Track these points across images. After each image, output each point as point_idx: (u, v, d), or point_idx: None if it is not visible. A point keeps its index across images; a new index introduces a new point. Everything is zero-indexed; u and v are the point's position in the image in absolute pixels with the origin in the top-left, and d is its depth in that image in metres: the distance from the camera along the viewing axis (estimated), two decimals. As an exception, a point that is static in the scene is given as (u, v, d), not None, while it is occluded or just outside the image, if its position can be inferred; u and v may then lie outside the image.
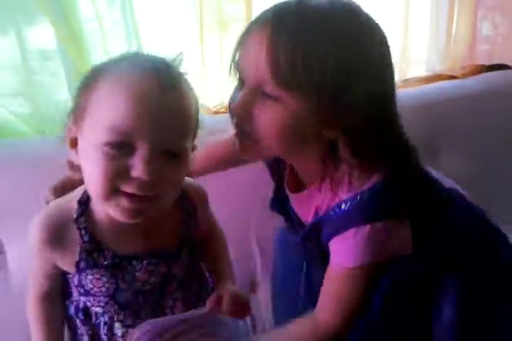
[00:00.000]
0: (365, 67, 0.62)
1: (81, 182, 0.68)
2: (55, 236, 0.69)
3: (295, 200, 0.78)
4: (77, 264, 0.70)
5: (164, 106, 0.59)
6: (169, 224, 0.74)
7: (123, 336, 0.73)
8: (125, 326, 0.73)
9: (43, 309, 0.77)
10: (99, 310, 0.73)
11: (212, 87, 1.45)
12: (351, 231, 0.66)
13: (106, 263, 0.69)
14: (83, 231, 0.68)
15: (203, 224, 0.80)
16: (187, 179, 0.73)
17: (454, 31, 1.83)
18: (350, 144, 0.64)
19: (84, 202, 0.69)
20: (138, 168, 0.58)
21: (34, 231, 0.71)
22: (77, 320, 0.76)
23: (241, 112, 0.67)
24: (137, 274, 0.71)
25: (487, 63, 1.89)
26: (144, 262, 0.71)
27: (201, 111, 1.44)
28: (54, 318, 0.77)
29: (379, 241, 0.66)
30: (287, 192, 0.80)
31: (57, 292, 0.77)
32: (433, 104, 1.64)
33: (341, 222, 0.67)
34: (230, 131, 1.22)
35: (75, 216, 0.69)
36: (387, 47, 0.66)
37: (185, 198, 0.76)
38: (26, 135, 1.34)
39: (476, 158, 1.67)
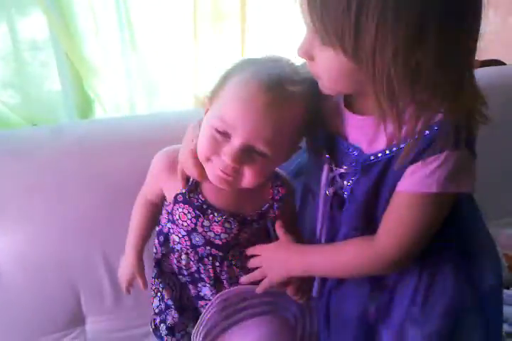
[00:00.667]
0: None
1: None
2: (171, 168, 0.86)
3: (357, 124, 0.76)
4: (176, 196, 0.85)
5: (263, 118, 0.73)
6: (257, 197, 0.86)
7: (185, 265, 0.90)
8: (190, 259, 0.90)
9: (141, 212, 0.95)
10: (175, 238, 0.90)
11: (206, 81, 1.44)
12: (439, 157, 0.66)
13: (196, 204, 0.84)
14: (191, 179, 0.84)
15: (286, 214, 0.90)
16: (285, 174, 0.90)
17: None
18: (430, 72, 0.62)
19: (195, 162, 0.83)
20: (227, 153, 0.74)
21: (158, 160, 0.89)
22: (156, 241, 0.95)
23: (303, 54, 0.70)
24: (214, 224, 0.85)
25: (480, 59, 1.90)
26: (224, 216, 0.84)
27: (195, 103, 1.47)
28: (147, 223, 0.95)
29: (464, 168, 0.68)
30: (346, 114, 0.77)
31: (156, 205, 0.93)
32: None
33: (424, 149, 0.67)
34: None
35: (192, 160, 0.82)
36: None
37: (279, 185, 0.88)
38: (17, 125, 1.34)
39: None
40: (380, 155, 0.72)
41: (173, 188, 0.86)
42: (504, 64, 1.96)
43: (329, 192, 0.82)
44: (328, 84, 0.71)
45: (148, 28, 1.45)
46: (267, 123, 0.73)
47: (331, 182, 0.82)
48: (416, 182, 0.69)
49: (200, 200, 0.84)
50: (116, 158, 1.22)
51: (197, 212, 0.84)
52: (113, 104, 1.41)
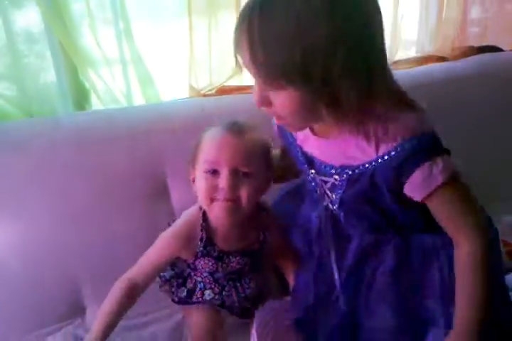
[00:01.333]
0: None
1: None
2: (188, 234, 1.03)
3: (323, 146, 0.89)
4: (197, 254, 1.04)
5: (235, 146, 0.95)
6: (253, 233, 1.07)
7: (210, 300, 1.09)
8: (213, 293, 1.09)
9: (119, 297, 1.00)
10: (198, 278, 1.10)
11: (201, 69, 1.44)
12: (426, 164, 0.79)
13: (215, 254, 1.04)
14: (204, 233, 1.03)
15: (278, 241, 1.11)
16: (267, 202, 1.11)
17: (444, 14, 1.83)
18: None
19: (204, 217, 1.03)
20: (222, 182, 0.94)
21: (174, 230, 1.04)
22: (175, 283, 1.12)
23: (261, 103, 0.81)
24: (231, 264, 1.06)
25: (477, 46, 1.90)
26: (237, 257, 1.06)
27: (191, 93, 1.46)
28: (120, 310, 1.00)
29: (451, 165, 0.82)
30: (313, 139, 0.90)
31: (137, 290, 1.03)
32: (422, 86, 1.63)
33: (411, 160, 0.79)
34: (220, 113, 1.22)
35: (200, 223, 1.03)
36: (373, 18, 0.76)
37: (264, 215, 1.08)
38: (14, 117, 1.34)
39: (464, 140, 1.68)
40: (361, 167, 0.84)
41: (190, 250, 1.04)
42: (501, 50, 1.95)
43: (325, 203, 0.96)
44: (293, 121, 0.83)
45: (143, 18, 1.44)
46: (239, 149, 0.95)
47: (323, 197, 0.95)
48: (423, 184, 0.80)
49: (216, 251, 1.04)
50: (114, 149, 1.23)
51: (216, 260, 1.05)
52: (109, 95, 1.41)
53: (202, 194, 0.96)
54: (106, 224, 1.20)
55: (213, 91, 1.47)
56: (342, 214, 0.94)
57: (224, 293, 1.09)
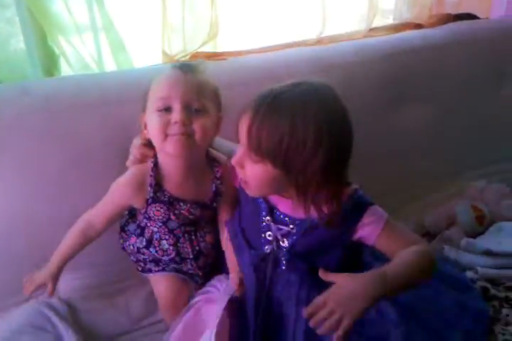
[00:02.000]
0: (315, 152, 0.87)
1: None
2: (134, 183, 1.06)
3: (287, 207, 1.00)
4: (147, 200, 1.07)
5: (184, 83, 1.00)
6: (205, 182, 1.10)
7: (165, 250, 1.12)
8: (168, 244, 1.12)
9: (76, 236, 1.09)
10: (154, 229, 1.12)
11: (174, 35, 1.41)
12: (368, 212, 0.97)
13: (165, 199, 1.06)
14: (153, 180, 1.05)
15: (230, 192, 1.12)
16: (221, 155, 1.13)
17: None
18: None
19: (155, 163, 1.07)
20: (175, 116, 0.97)
21: (119, 183, 1.08)
22: (134, 234, 1.15)
23: (236, 163, 0.94)
24: (182, 212, 1.08)
25: (454, 13, 1.89)
26: (188, 205, 1.08)
27: (164, 59, 1.44)
28: (77, 248, 1.10)
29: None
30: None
31: (96, 233, 1.10)
32: (399, 54, 1.64)
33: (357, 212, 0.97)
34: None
35: (150, 170, 1.06)
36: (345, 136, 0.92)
37: (217, 166, 1.11)
38: (-18, 84, 1.30)
39: (440, 106, 1.69)
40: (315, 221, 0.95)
41: (141, 197, 1.06)
42: (477, 18, 1.95)
43: (269, 249, 1.02)
44: (254, 189, 0.96)
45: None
46: (191, 84, 1.00)
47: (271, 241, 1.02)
48: (373, 224, 0.96)
49: (166, 196, 1.07)
50: (86, 117, 1.21)
51: (167, 207, 1.07)
52: (80, 62, 1.38)
53: (155, 130, 0.99)
54: (78, 193, 1.19)
55: (187, 58, 1.44)
56: (287, 258, 1.00)
57: (179, 244, 1.12)
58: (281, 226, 1.00)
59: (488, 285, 1.22)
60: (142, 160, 1.09)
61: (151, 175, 1.05)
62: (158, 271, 1.15)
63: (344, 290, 0.81)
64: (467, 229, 1.46)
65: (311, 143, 0.85)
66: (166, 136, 0.98)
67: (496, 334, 1.10)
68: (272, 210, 1.01)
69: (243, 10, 1.55)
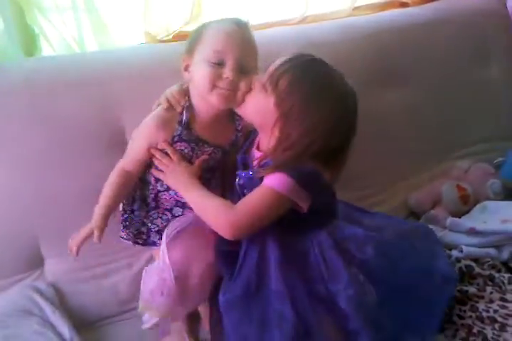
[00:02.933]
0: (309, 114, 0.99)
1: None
2: (165, 121, 1.08)
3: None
4: (173, 138, 1.08)
5: (243, 42, 1.04)
6: (228, 131, 1.16)
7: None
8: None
9: (115, 182, 1.10)
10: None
11: (158, 15, 1.38)
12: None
13: (192, 138, 1.09)
14: (186, 118, 1.08)
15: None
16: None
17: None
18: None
19: (187, 106, 1.09)
20: (228, 72, 1.02)
21: (151, 120, 1.09)
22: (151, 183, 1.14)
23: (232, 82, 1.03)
24: (205, 151, 1.11)
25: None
26: (212, 148, 1.12)
27: (146, 39, 1.41)
28: (118, 192, 1.10)
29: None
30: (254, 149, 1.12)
31: (132, 176, 1.11)
32: (383, 32, 1.63)
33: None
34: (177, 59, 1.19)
35: (185, 104, 1.09)
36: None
37: (239, 119, 1.16)
38: None
39: (423, 86, 1.69)
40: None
41: (167, 135, 1.08)
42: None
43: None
44: (247, 111, 1.06)
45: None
46: (247, 41, 1.06)
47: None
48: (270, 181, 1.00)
49: (193, 136, 1.09)
50: (66, 97, 1.19)
51: (192, 145, 1.10)
52: (61, 42, 1.35)
53: (205, 80, 1.03)
54: (62, 173, 1.18)
55: (170, 37, 1.42)
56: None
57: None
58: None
59: (473, 264, 1.24)
60: (175, 106, 1.10)
61: (182, 111, 1.08)
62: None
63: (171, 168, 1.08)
64: (452, 209, 1.47)
65: (315, 113, 0.98)
66: (213, 87, 1.03)
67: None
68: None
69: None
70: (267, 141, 1.05)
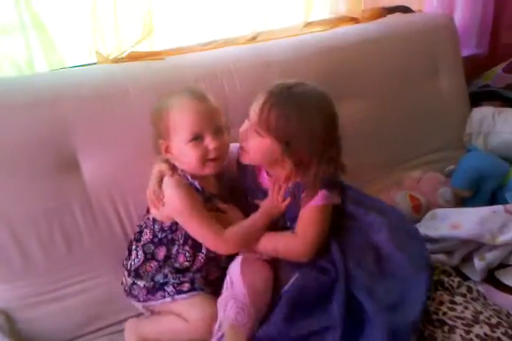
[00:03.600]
0: (315, 138, 1.11)
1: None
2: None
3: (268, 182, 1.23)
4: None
5: (210, 110, 1.13)
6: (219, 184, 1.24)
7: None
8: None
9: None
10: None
11: (107, 34, 1.38)
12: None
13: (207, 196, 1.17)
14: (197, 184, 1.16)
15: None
16: None
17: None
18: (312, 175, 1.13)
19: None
20: (211, 144, 1.10)
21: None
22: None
23: (243, 135, 1.15)
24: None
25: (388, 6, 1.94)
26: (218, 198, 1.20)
27: (98, 59, 1.41)
28: None
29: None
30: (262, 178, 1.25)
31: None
32: (335, 49, 1.66)
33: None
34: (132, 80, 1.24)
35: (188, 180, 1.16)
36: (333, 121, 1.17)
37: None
38: None
39: (377, 100, 1.73)
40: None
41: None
42: (411, 10, 2.00)
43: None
44: (252, 157, 1.16)
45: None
46: (213, 110, 1.13)
47: None
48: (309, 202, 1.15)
49: (206, 194, 1.17)
50: (15, 119, 1.17)
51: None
52: (11, 63, 1.34)
53: (195, 160, 1.11)
54: (12, 198, 1.17)
55: (123, 57, 1.42)
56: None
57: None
58: None
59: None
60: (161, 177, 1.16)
61: (190, 183, 1.15)
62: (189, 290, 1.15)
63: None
64: (405, 218, 1.51)
65: (312, 133, 1.10)
66: (204, 162, 1.12)
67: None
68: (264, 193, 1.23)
69: (177, 7, 1.54)
70: (278, 170, 1.18)
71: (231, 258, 1.16)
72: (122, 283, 1.21)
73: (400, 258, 1.15)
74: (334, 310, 1.07)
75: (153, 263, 1.16)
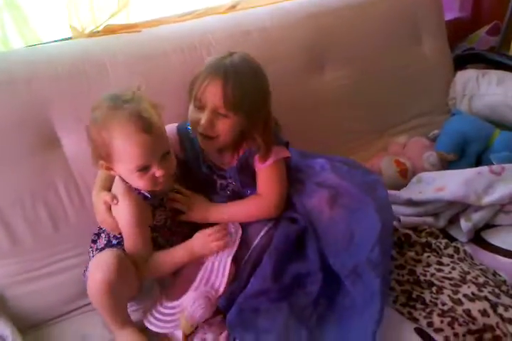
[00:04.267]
0: (266, 100, 1.16)
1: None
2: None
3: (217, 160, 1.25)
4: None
5: (155, 141, 1.04)
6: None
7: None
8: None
9: None
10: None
11: (81, 7, 1.35)
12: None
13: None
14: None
15: None
16: None
17: None
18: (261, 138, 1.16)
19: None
20: (157, 171, 1.05)
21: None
22: None
23: (208, 125, 1.12)
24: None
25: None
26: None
27: (73, 34, 1.38)
28: None
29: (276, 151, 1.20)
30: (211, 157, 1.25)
31: None
32: (315, 16, 1.63)
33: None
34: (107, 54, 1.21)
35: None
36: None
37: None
38: None
39: (360, 66, 1.72)
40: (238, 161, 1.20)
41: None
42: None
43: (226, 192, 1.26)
44: (222, 141, 1.15)
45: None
46: (159, 141, 1.05)
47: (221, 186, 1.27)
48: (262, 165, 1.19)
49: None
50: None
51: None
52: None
53: (143, 187, 1.09)
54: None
55: (98, 31, 1.39)
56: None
57: None
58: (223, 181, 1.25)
59: (410, 232, 1.29)
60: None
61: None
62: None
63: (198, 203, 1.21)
64: (391, 183, 1.51)
65: (263, 97, 1.15)
66: (154, 185, 1.09)
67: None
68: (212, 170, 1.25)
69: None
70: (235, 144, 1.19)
71: None
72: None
73: (346, 185, 1.20)
74: (309, 255, 1.13)
75: None
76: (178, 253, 1.13)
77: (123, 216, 1.10)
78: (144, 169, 1.05)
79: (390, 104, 1.78)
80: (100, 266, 1.03)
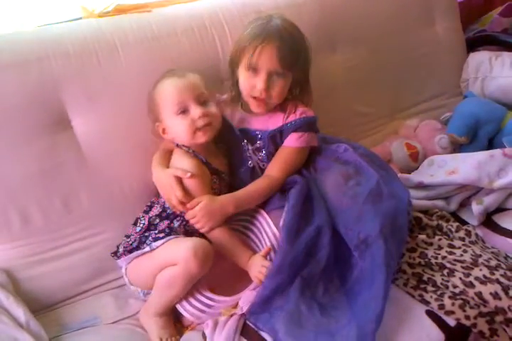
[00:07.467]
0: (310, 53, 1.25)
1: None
2: None
3: (255, 121, 1.31)
4: None
5: (188, 84, 1.17)
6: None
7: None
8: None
9: None
10: None
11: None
12: (299, 133, 1.25)
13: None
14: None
15: None
16: None
17: None
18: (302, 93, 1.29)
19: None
20: (195, 113, 1.15)
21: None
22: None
23: (265, 87, 1.18)
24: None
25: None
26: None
27: (84, 14, 1.37)
28: None
29: (309, 138, 1.26)
30: (248, 116, 1.31)
31: None
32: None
33: (297, 128, 1.24)
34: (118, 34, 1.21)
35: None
36: None
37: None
38: None
39: (370, 46, 1.69)
40: (275, 129, 1.26)
41: None
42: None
43: (251, 164, 1.29)
44: (278, 100, 1.24)
45: None
46: (192, 87, 1.17)
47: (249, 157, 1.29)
48: (289, 142, 1.25)
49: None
50: (6, 78, 1.16)
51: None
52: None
53: (185, 131, 1.16)
54: (4, 157, 1.16)
55: (109, 11, 1.38)
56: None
57: None
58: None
59: (421, 215, 1.28)
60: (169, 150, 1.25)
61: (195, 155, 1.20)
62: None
63: (208, 207, 1.14)
64: (402, 166, 1.51)
65: (308, 56, 1.25)
66: (194, 131, 1.16)
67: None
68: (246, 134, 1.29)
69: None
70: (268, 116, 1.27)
71: None
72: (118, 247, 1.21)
73: (366, 165, 1.20)
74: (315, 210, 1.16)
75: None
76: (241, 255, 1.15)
77: (197, 185, 1.16)
78: (184, 111, 1.15)
79: (402, 85, 1.76)
80: (198, 257, 1.05)
